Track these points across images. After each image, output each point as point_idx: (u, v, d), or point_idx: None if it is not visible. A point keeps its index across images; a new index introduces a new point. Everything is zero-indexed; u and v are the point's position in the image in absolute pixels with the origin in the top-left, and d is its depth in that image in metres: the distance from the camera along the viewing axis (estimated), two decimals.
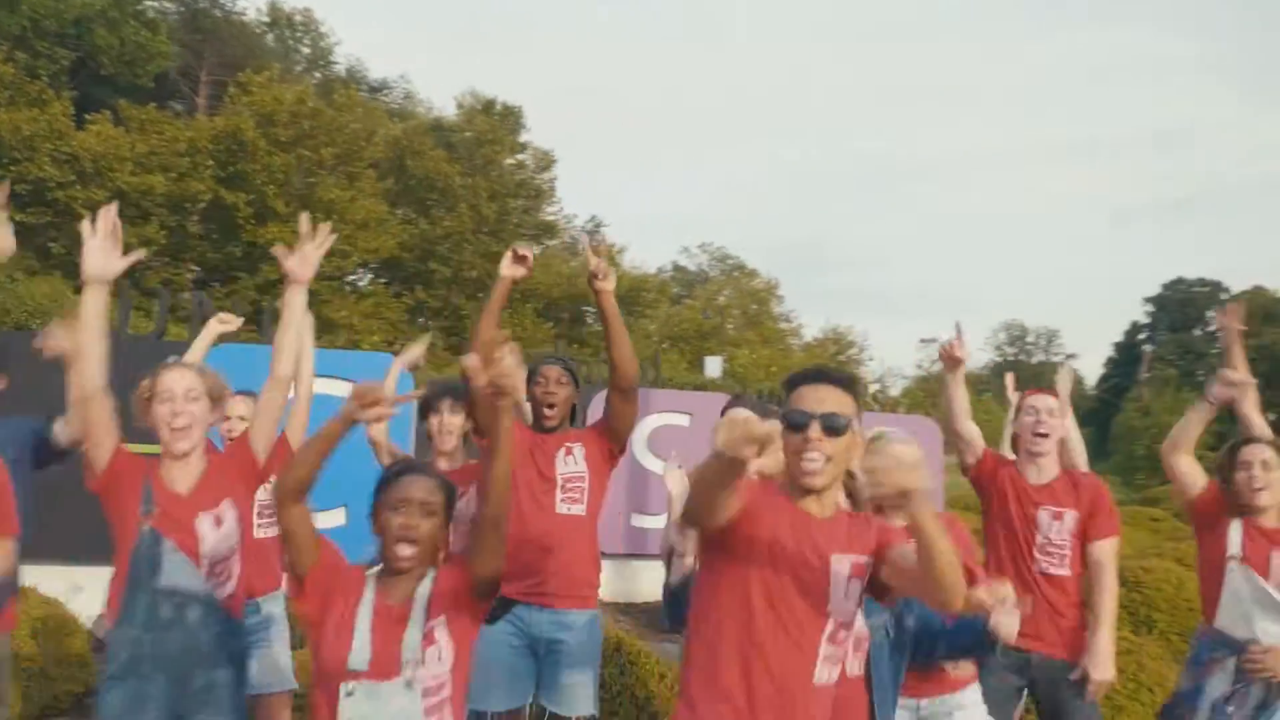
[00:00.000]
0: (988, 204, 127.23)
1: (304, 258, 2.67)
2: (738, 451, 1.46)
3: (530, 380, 3.22)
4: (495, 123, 30.78)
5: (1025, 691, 3.00)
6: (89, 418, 2.41)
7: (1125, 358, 71.13)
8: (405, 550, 2.06)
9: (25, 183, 17.85)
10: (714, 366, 18.33)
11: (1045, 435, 3.05)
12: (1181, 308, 67.57)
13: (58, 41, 22.38)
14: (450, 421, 3.21)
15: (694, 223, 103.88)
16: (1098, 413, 60.42)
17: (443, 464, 3.13)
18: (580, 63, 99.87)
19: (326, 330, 21.12)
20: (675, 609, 2.40)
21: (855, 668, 2.16)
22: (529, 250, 3.18)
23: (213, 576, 2.47)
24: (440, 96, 65.76)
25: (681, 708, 1.90)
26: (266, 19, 38.23)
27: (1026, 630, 2.81)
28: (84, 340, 2.39)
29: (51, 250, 18.77)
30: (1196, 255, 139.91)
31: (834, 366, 2.39)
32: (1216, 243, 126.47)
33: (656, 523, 6.99)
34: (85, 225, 2.43)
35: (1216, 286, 66.62)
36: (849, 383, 1.87)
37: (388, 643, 2.00)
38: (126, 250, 2.48)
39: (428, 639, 2.03)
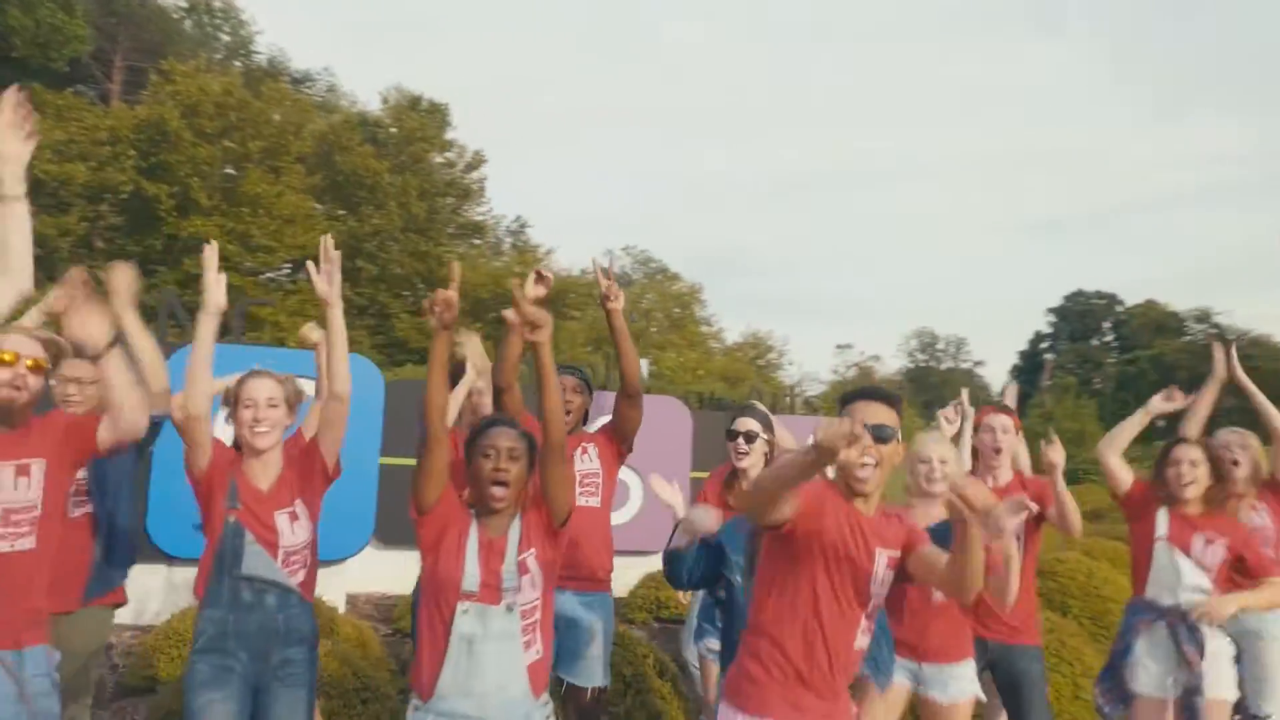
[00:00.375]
0: (901, 214, 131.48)
1: (329, 279, 2.88)
2: (835, 445, 1.87)
3: None
4: (423, 120, 30.66)
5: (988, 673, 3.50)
6: (194, 434, 2.69)
7: (1029, 365, 74.54)
8: (498, 491, 2.43)
9: None
10: (641, 369, 18.88)
11: (1000, 450, 3.60)
12: (1081, 318, 71.28)
13: None
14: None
15: (614, 225, 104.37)
16: None
17: None
18: (503, 59, 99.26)
19: (252, 328, 20.77)
20: (675, 568, 2.85)
21: None
22: (550, 272, 3.55)
23: (287, 566, 2.78)
24: (365, 91, 64.63)
25: (745, 673, 2.30)
26: (184, 4, 37.13)
27: (983, 620, 3.33)
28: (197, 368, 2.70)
29: None
30: (1096, 269, 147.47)
31: (882, 386, 2.82)
32: (1114, 257, 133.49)
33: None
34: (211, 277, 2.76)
35: (1113, 299, 70.51)
36: (894, 400, 2.29)
37: (491, 572, 2.37)
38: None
39: (522, 568, 2.40)
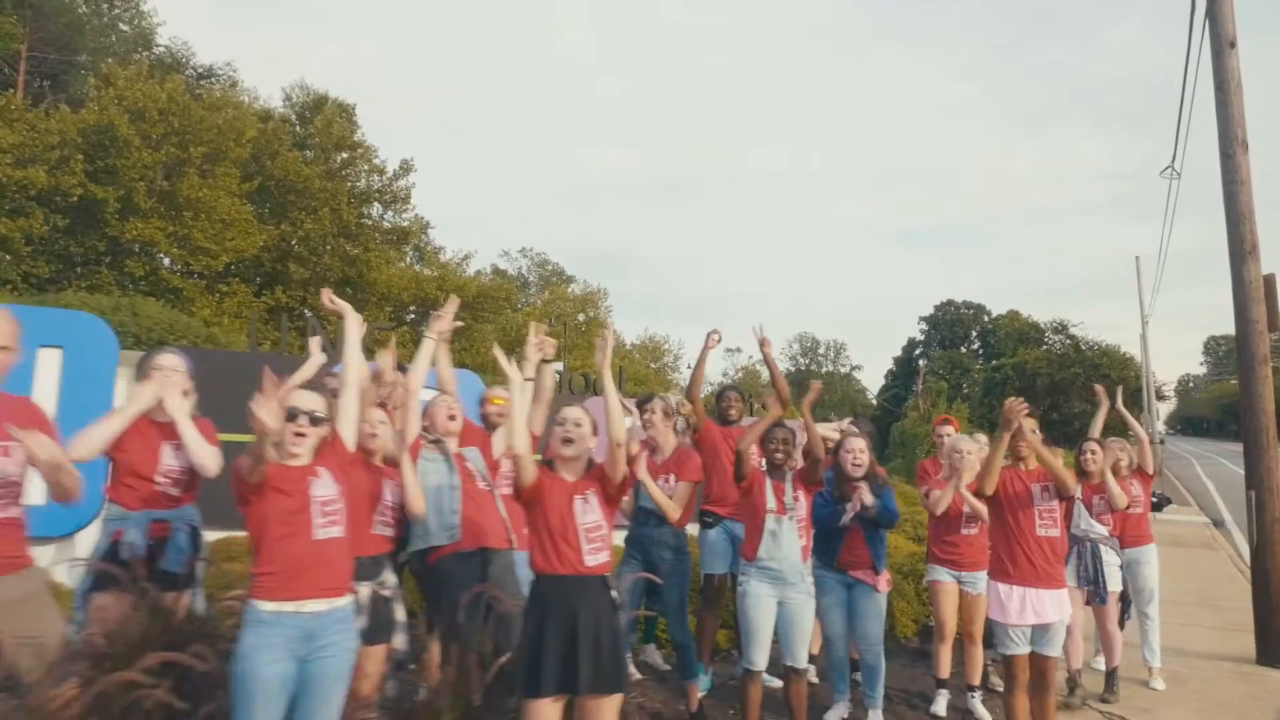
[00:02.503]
0: (783, 220, 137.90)
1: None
2: (1013, 426, 4.49)
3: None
4: (348, 126, 32.17)
5: None
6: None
7: (903, 370, 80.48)
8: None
9: None
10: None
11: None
12: (951, 327, 77.90)
13: None
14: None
15: (502, 226, 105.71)
16: (878, 419, 68.13)
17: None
18: (395, 52, 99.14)
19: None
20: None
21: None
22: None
23: None
24: (265, 86, 64.08)
25: (995, 573, 4.65)
26: None
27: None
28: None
29: None
30: (965, 279, 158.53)
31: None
32: (981, 268, 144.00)
33: None
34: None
35: (980, 309, 77.44)
36: None
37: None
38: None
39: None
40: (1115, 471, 6.11)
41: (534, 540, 3.37)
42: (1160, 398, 64.65)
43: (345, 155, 30.68)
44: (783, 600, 4.59)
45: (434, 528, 4.02)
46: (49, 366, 6.46)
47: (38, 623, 3.14)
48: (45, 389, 6.38)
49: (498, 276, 53.45)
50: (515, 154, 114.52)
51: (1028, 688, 4.53)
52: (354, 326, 3.48)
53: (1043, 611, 4.42)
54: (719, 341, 5.67)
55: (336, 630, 3.04)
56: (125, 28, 39.12)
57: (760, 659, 4.60)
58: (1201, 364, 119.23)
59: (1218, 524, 17.33)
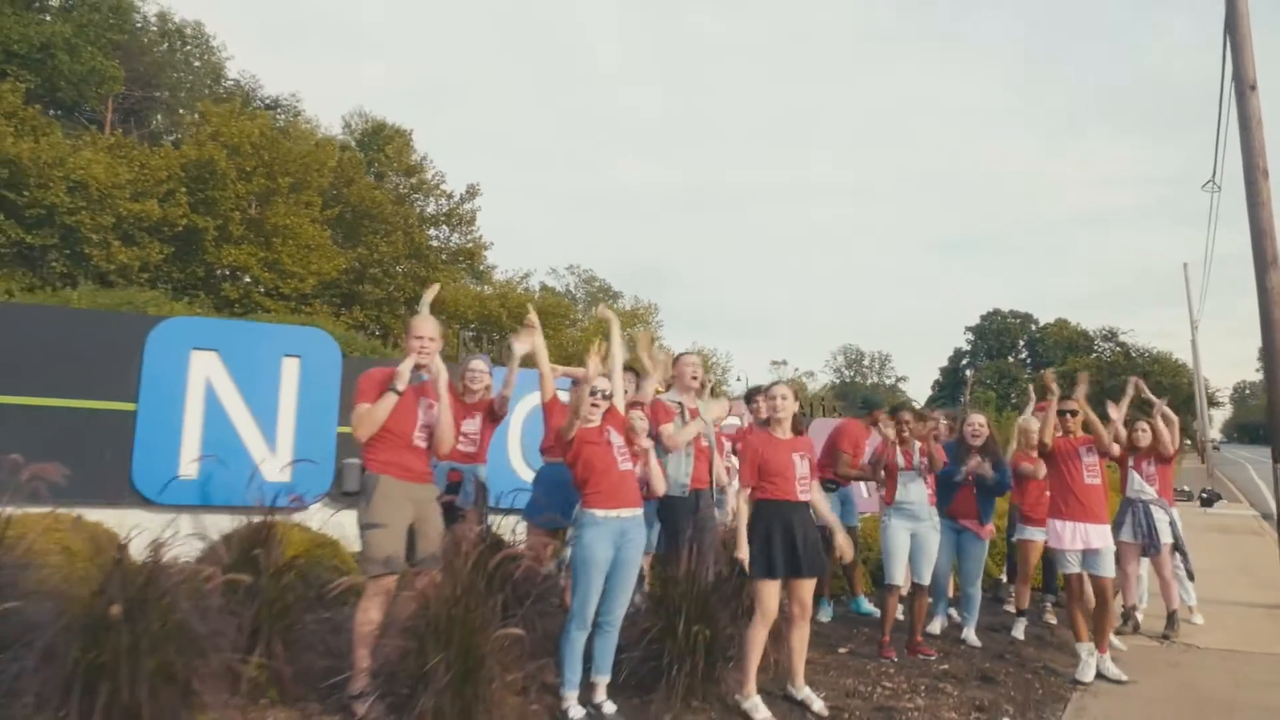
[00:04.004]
0: (823, 232, 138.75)
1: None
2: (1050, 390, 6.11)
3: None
4: (407, 150, 34.39)
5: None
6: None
7: (950, 381, 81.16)
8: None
9: (40, 207, 20.15)
10: None
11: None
12: (998, 336, 78.66)
13: (24, 65, 24.26)
14: None
15: (546, 243, 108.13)
16: None
17: None
18: (428, 74, 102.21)
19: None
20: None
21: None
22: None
23: None
24: (326, 115, 66.97)
25: (1053, 512, 6.16)
26: (154, 27, 39.69)
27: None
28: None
29: (54, 268, 21.01)
30: (1012, 288, 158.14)
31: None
32: (1028, 277, 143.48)
33: None
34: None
35: (1027, 318, 78.13)
36: None
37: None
38: None
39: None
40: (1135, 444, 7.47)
41: (761, 479, 4.98)
42: (1214, 404, 64.92)
43: (414, 180, 32.75)
44: (915, 532, 6.24)
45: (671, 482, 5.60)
46: (290, 371, 8.19)
47: (434, 520, 4.79)
48: (288, 387, 8.13)
49: (547, 293, 55.57)
50: (550, 172, 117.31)
51: (1089, 606, 6.02)
52: (616, 329, 5.13)
53: (1089, 540, 5.92)
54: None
55: (636, 530, 4.67)
56: (197, 63, 41.81)
57: (899, 576, 6.25)
58: (1258, 370, 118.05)
59: (1266, 517, 18.44)
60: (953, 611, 7.28)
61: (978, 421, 6.81)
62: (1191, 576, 7.80)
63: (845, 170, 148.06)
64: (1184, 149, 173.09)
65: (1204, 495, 20.28)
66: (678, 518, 5.60)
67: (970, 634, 6.76)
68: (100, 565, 3.92)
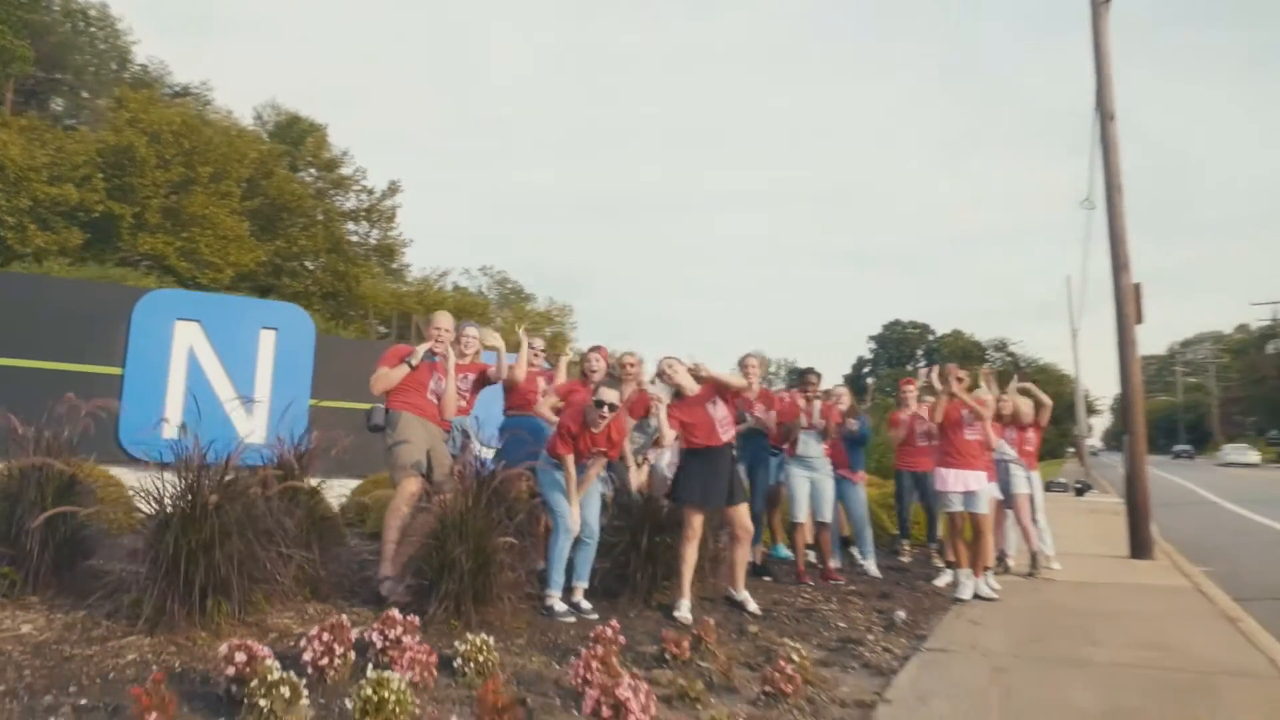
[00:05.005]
0: (731, 241, 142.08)
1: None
2: (951, 384, 7.29)
3: None
4: (324, 144, 34.61)
5: None
6: None
7: (853, 388, 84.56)
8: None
9: None
10: None
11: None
12: (898, 345, 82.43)
13: None
14: None
15: (454, 243, 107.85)
16: None
17: None
18: (337, 69, 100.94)
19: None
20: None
21: None
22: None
23: None
24: (238, 105, 65.54)
25: (941, 461, 7.91)
26: (57, 7, 38.75)
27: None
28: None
29: None
30: (911, 300, 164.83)
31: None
32: (926, 289, 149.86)
33: None
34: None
35: (925, 328, 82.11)
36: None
37: None
38: None
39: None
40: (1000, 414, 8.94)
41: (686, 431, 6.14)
42: (1094, 411, 69.55)
43: (334, 175, 33.06)
44: (813, 480, 7.51)
45: None
46: (268, 342, 8.99)
47: (443, 452, 5.80)
48: (265, 357, 8.93)
49: (460, 294, 55.93)
50: (469, 173, 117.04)
51: (967, 539, 7.38)
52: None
53: (968, 483, 7.29)
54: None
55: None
56: (103, 46, 40.91)
57: (801, 515, 7.50)
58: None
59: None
60: (853, 552, 8.56)
61: (840, 392, 8.35)
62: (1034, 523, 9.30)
63: (755, 182, 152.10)
64: (1067, 170, 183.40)
65: (1078, 486, 22.54)
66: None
67: (870, 565, 8.10)
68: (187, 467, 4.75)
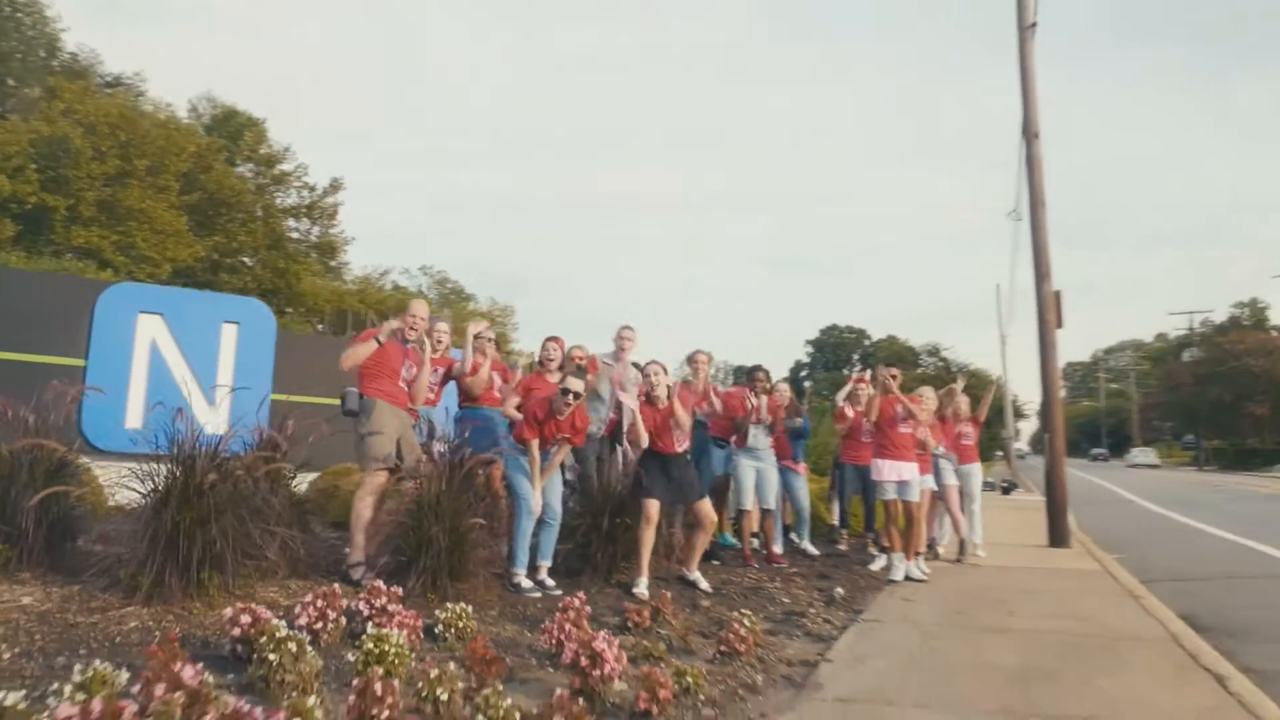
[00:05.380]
0: (670, 243, 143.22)
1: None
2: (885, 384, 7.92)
3: None
4: (261, 138, 34.30)
5: None
6: None
7: (792, 389, 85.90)
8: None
9: None
10: None
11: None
12: (835, 350, 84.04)
13: None
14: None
15: (399, 243, 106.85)
16: None
17: None
18: (270, 62, 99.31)
19: None
20: None
21: None
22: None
23: None
24: (173, 96, 64.00)
25: (878, 453, 8.58)
26: None
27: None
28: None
29: None
30: (847, 305, 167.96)
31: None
32: (862, 295, 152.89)
33: None
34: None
35: (861, 333, 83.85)
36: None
37: None
38: None
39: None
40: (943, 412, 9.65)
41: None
42: (1023, 416, 71.94)
43: (275, 171, 32.80)
44: (759, 469, 8.06)
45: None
46: (230, 335, 9.20)
47: (412, 438, 6.17)
48: (227, 350, 9.14)
49: (399, 293, 55.59)
50: (411, 172, 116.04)
51: (900, 525, 7.98)
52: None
53: (901, 474, 7.90)
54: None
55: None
56: (31, 33, 39.84)
57: (748, 502, 8.02)
58: (1061, 388, 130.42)
59: None
60: (793, 536, 9.16)
61: (782, 388, 9.04)
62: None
63: (697, 186, 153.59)
64: (998, 183, 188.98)
65: (1004, 485, 23.63)
66: (591, 453, 7.19)
67: (809, 546, 8.74)
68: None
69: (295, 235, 33.59)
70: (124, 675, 3.26)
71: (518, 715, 3.23)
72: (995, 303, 35.34)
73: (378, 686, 3.20)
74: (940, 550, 9.58)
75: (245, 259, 30.81)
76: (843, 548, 9.70)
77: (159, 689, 2.86)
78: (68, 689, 3.07)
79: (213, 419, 8.99)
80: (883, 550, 8.93)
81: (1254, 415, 54.11)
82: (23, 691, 3.01)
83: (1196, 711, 4.04)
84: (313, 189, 33.74)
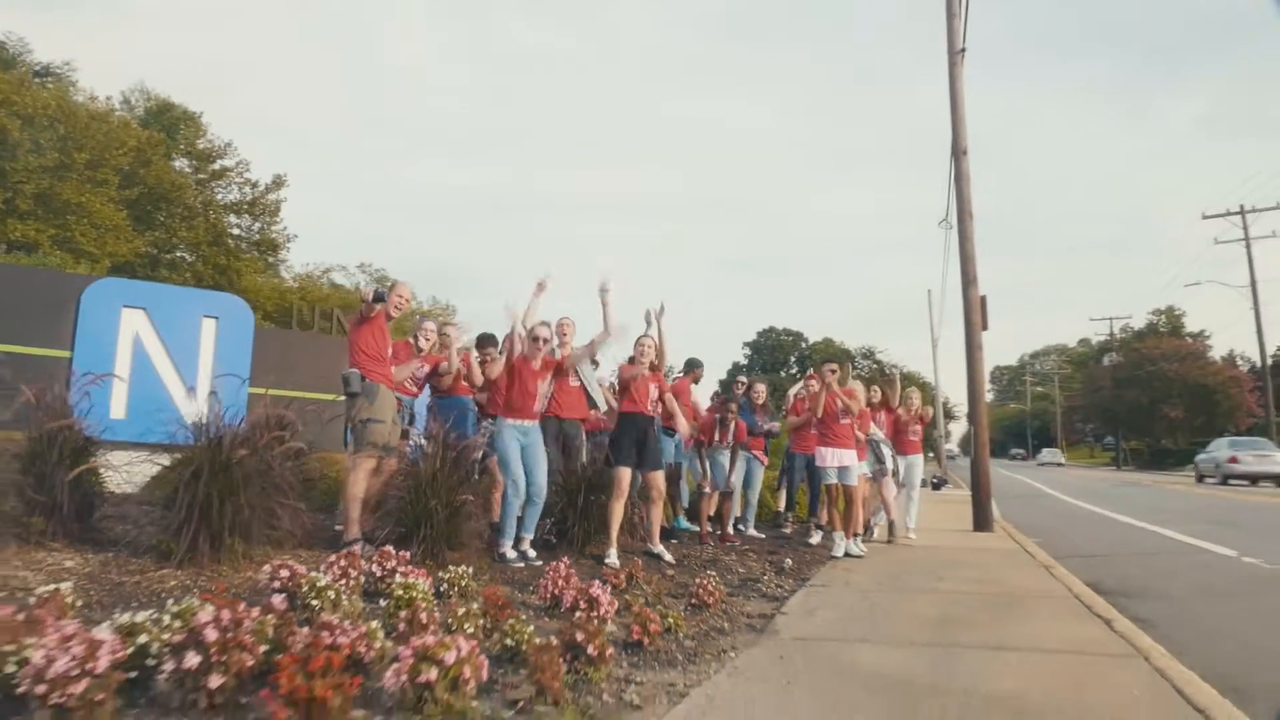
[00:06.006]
0: (611, 243, 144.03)
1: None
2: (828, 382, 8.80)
3: None
4: (198, 131, 34.14)
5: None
6: None
7: (729, 393, 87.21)
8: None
9: None
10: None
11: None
12: (772, 351, 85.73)
13: None
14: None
15: (336, 240, 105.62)
16: None
17: None
18: (213, 52, 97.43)
19: None
20: None
21: None
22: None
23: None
24: (105, 87, 62.45)
25: (820, 442, 9.44)
26: None
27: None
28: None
29: None
30: (784, 307, 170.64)
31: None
32: (799, 298, 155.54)
33: None
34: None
35: (799, 336, 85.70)
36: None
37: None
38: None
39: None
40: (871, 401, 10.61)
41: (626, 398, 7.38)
42: (953, 418, 74.37)
43: (214, 167, 32.69)
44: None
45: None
46: (209, 330, 9.66)
47: (398, 428, 6.83)
48: (207, 344, 9.61)
49: (336, 290, 55.22)
50: (354, 169, 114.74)
51: (840, 507, 8.88)
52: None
53: (842, 460, 8.81)
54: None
55: (534, 432, 6.94)
56: None
57: (706, 487, 8.87)
58: (990, 391, 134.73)
59: None
60: (740, 526, 10.07)
61: (759, 387, 9.76)
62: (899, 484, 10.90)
63: (641, 187, 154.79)
64: (930, 192, 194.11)
65: (935, 481, 24.95)
66: (569, 436, 7.92)
67: (750, 529, 9.63)
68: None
69: (236, 232, 33.50)
70: (208, 609, 3.89)
71: (538, 638, 3.95)
72: (927, 307, 36.85)
73: (422, 615, 3.90)
74: (875, 532, 10.51)
75: (185, 255, 30.67)
76: (787, 531, 10.59)
77: (254, 611, 3.51)
78: (166, 617, 3.69)
79: (191, 410, 9.48)
80: (820, 529, 9.83)
81: (1169, 417, 57.00)
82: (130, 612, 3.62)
83: (1083, 640, 4.94)
84: (254, 185, 33.70)
